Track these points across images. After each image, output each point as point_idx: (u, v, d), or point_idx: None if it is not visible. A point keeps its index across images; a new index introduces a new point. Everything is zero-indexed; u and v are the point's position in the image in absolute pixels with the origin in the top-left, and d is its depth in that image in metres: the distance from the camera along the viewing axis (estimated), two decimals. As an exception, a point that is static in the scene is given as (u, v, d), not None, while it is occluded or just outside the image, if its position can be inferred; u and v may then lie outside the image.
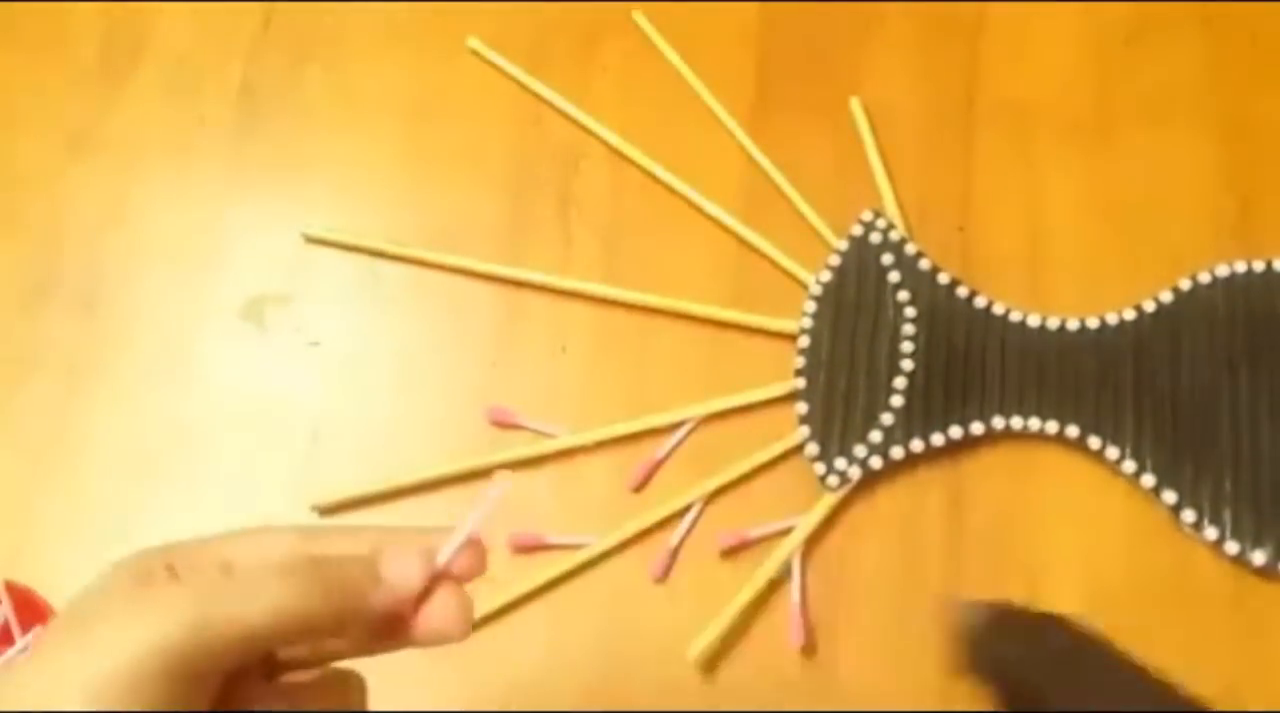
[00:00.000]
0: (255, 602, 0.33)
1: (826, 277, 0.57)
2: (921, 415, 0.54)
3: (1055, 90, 0.60)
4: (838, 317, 0.56)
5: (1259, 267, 0.55)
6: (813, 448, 0.54)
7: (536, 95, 0.61)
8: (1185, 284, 0.55)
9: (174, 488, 0.56)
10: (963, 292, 0.56)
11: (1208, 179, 0.58)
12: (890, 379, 0.55)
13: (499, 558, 0.53)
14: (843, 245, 0.57)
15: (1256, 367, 0.54)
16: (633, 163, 0.60)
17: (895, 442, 0.53)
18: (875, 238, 0.57)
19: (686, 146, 0.60)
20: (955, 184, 0.59)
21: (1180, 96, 0.60)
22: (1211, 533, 0.51)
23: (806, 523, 0.53)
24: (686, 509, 0.54)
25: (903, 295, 0.56)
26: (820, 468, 0.53)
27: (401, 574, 0.35)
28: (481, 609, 0.52)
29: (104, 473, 0.56)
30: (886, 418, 0.54)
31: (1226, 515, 0.52)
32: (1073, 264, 0.57)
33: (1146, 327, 0.55)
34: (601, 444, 0.55)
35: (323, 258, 0.60)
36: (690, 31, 0.62)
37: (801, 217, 0.58)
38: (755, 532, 0.53)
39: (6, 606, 0.51)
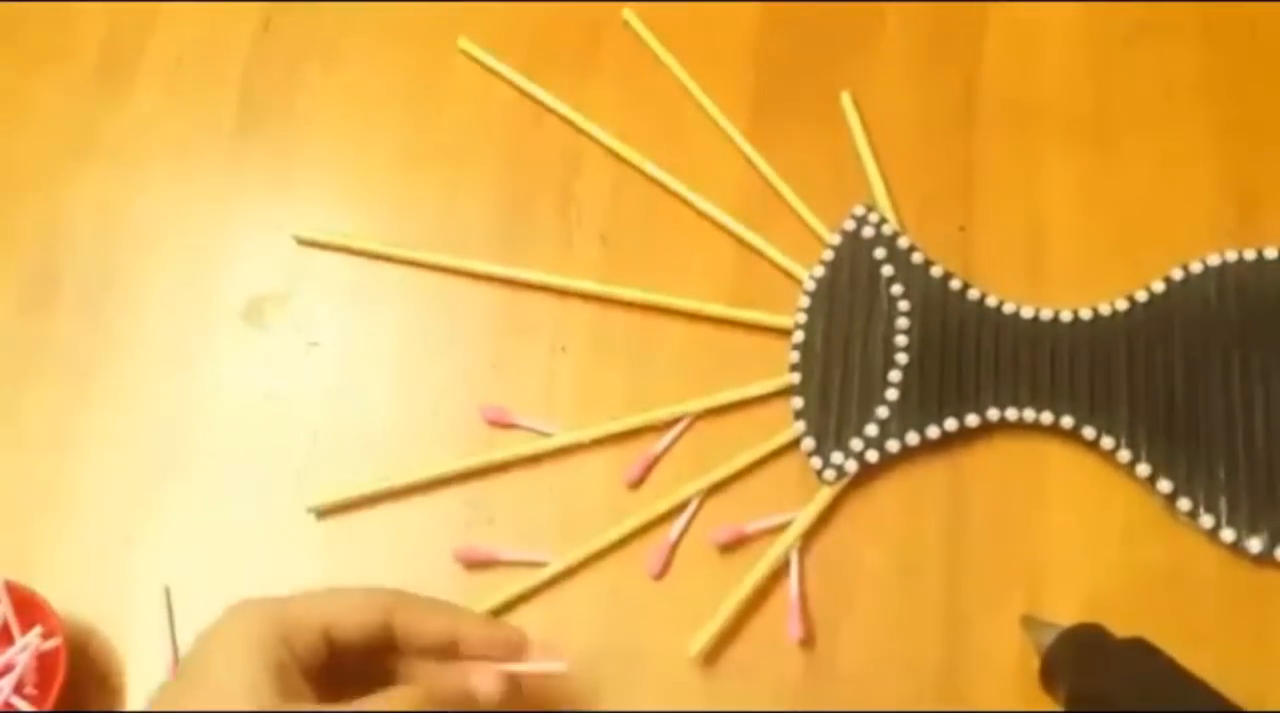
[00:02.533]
0: None
1: (820, 272, 0.57)
2: (917, 408, 0.54)
3: (1055, 90, 0.61)
4: (832, 311, 0.56)
5: (1250, 256, 0.56)
6: (809, 442, 0.54)
7: (533, 98, 0.62)
8: (1177, 274, 0.56)
9: (174, 488, 0.56)
10: (956, 284, 0.56)
11: (1207, 179, 0.58)
12: (885, 372, 0.55)
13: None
14: (836, 240, 0.57)
15: (1248, 355, 0.54)
16: (631, 164, 0.60)
17: (891, 435, 0.54)
18: (868, 232, 0.57)
19: (684, 146, 0.60)
20: (955, 184, 0.59)
21: (1180, 97, 0.60)
22: (1207, 521, 0.52)
23: (804, 517, 0.53)
24: (684, 505, 0.53)
25: (896, 289, 0.56)
26: (817, 462, 0.53)
27: (488, 693, 0.46)
28: (480, 606, 0.52)
29: (104, 473, 0.56)
30: (882, 411, 0.54)
31: (1222, 504, 0.52)
32: (1073, 264, 0.57)
33: (1139, 316, 0.55)
34: (598, 441, 0.55)
35: (322, 258, 0.60)
36: (690, 32, 0.63)
37: (797, 214, 0.58)
38: (752, 527, 0.53)
39: (6, 605, 0.51)
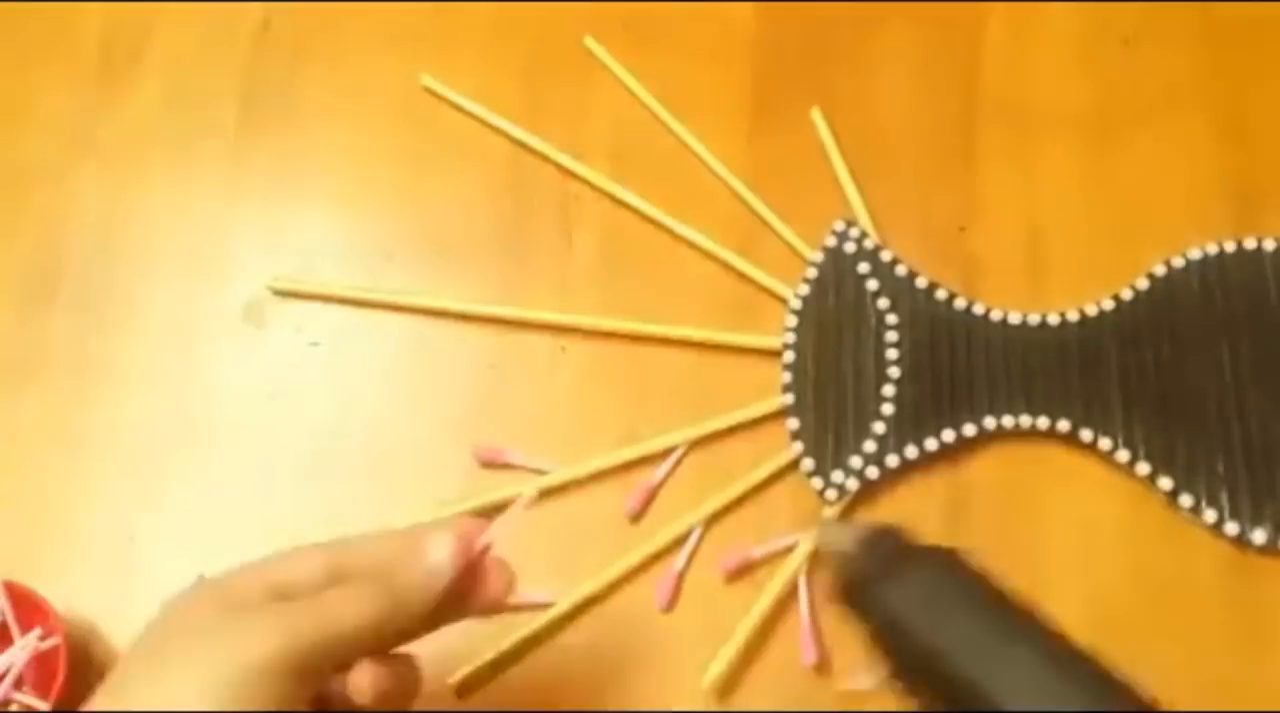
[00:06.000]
0: (343, 620, 0.40)
1: (805, 290, 0.56)
2: (913, 421, 0.54)
3: (1055, 90, 0.61)
4: (820, 329, 0.56)
5: (1230, 247, 0.56)
6: (808, 463, 0.53)
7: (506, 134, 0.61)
8: (1160, 270, 0.56)
9: (174, 488, 0.56)
10: (941, 294, 0.56)
11: (1207, 179, 0.58)
12: (879, 387, 0.54)
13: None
14: (818, 257, 0.57)
15: (1237, 345, 0.54)
16: (618, 201, 0.59)
17: (889, 450, 0.53)
18: (850, 248, 0.57)
19: (666, 169, 0.60)
20: (955, 184, 0.59)
21: (1180, 97, 0.60)
22: (1210, 515, 0.52)
23: (809, 539, 0.52)
24: (687, 535, 0.53)
25: (883, 303, 0.56)
26: (818, 482, 0.53)
27: (443, 556, 0.42)
28: (489, 653, 0.52)
29: (104, 473, 0.56)
30: (878, 427, 0.54)
31: (1223, 497, 0.52)
32: (1073, 264, 0.57)
33: (1127, 314, 0.55)
34: (594, 475, 0.54)
35: (323, 258, 0.60)
36: (689, 31, 0.62)
37: (779, 234, 0.58)
38: (758, 552, 0.52)
39: (6, 605, 0.51)
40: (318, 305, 0.59)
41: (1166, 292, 0.55)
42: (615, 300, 0.58)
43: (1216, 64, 0.60)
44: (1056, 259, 0.57)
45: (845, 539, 0.41)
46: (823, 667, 0.51)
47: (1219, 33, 0.61)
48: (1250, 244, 0.56)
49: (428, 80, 0.62)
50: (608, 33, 0.63)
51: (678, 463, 0.54)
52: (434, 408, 0.57)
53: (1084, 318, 0.55)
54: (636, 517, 0.54)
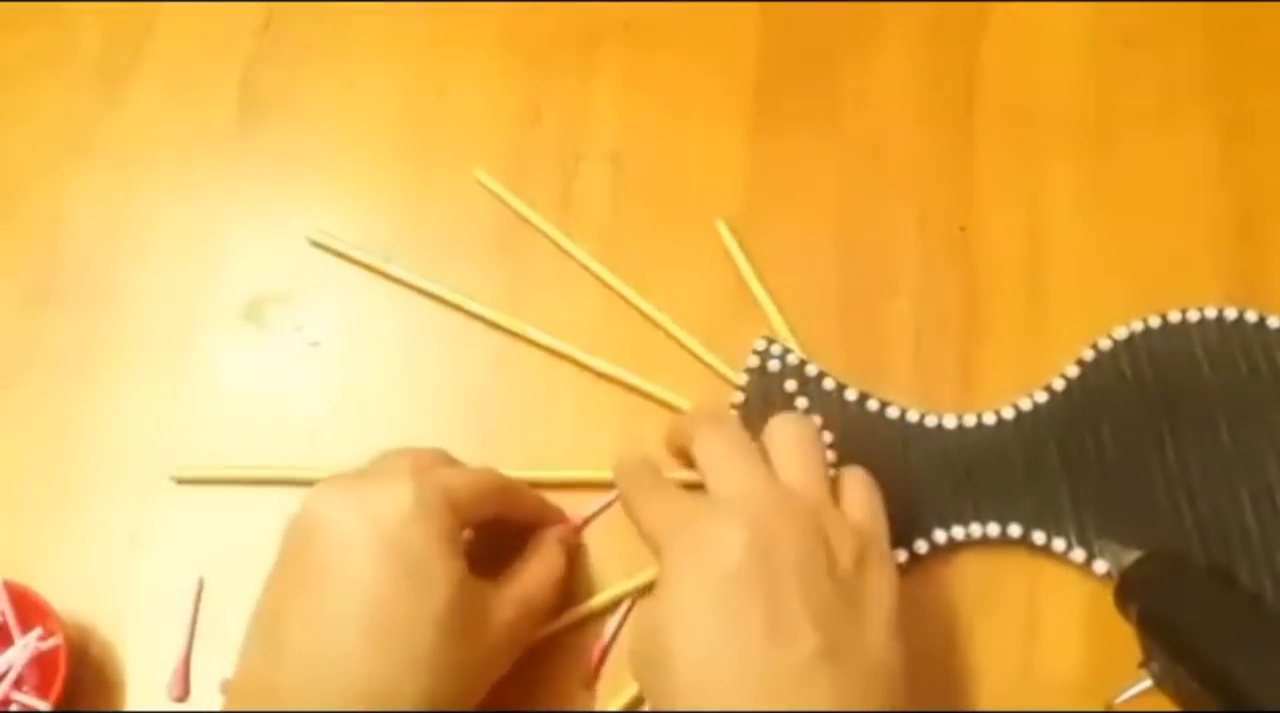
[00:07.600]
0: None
1: (733, 415, 0.54)
2: None
3: (1056, 91, 0.61)
4: None
5: (1155, 322, 0.54)
6: None
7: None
8: (1089, 355, 0.54)
9: (174, 487, 0.56)
10: (873, 405, 0.54)
11: (1208, 180, 0.58)
12: None
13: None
14: (743, 380, 0.55)
15: (1177, 424, 0.53)
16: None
17: None
18: (774, 365, 0.55)
19: (680, 159, 0.60)
20: (955, 184, 0.59)
21: (1181, 98, 0.60)
22: None
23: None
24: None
25: (814, 421, 0.54)
26: None
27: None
28: None
29: (104, 472, 0.56)
30: None
31: None
32: (1073, 265, 0.57)
33: (1061, 404, 0.53)
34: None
35: (323, 258, 0.60)
36: (690, 32, 0.63)
37: (701, 359, 0.56)
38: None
39: (6, 605, 0.51)
40: (318, 305, 0.59)
41: (1097, 376, 0.54)
42: (616, 300, 0.58)
43: (1217, 65, 0.60)
44: (1057, 258, 0.57)
45: (1127, 558, 0.47)
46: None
47: (1219, 34, 0.61)
48: (1175, 317, 0.54)
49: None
50: (609, 33, 0.63)
51: (625, 618, 0.52)
52: (435, 408, 0.57)
53: (1019, 414, 0.53)
54: (592, 681, 0.52)
